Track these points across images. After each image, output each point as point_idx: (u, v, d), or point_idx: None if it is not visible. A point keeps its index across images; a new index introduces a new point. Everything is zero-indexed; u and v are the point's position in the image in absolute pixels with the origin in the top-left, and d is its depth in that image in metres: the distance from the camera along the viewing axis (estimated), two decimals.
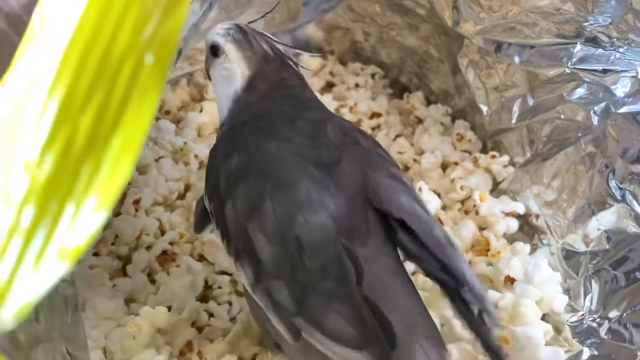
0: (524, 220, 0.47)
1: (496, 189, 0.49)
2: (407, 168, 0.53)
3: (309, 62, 0.59)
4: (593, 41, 0.41)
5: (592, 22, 0.41)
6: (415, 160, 0.53)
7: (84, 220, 0.20)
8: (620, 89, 0.40)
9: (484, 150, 0.52)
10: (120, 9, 0.22)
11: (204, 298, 0.44)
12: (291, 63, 0.41)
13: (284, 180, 0.33)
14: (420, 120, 0.56)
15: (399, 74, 0.58)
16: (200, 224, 0.39)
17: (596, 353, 0.38)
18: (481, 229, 0.47)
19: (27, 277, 0.19)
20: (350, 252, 0.31)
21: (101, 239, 0.45)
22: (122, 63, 0.22)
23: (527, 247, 0.45)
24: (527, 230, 0.47)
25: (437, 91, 0.56)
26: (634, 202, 0.39)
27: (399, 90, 0.58)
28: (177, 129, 0.54)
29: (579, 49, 0.42)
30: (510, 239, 0.47)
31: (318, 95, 0.42)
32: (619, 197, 0.39)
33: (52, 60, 0.21)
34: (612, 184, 0.40)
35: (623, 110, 0.40)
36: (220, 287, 0.44)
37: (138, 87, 0.22)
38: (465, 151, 0.53)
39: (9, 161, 0.20)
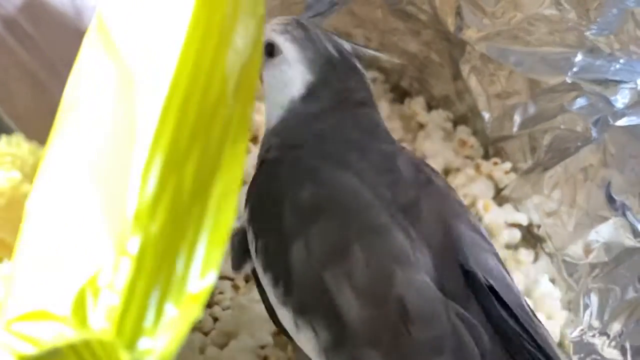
0: (526, 229, 0.47)
1: (498, 196, 0.49)
2: None
3: None
4: (594, 51, 0.41)
5: (593, 32, 0.41)
6: None
7: (197, 271, 0.20)
8: (620, 100, 0.40)
9: (486, 156, 0.52)
10: (211, 61, 0.22)
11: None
12: (359, 68, 0.36)
13: (373, 224, 0.28)
14: (421, 126, 0.56)
15: (399, 79, 0.57)
16: (239, 261, 0.33)
17: None
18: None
19: (155, 325, 0.19)
20: (468, 322, 0.26)
21: None
22: (215, 112, 0.22)
23: (531, 257, 0.45)
24: (529, 239, 0.47)
25: (438, 97, 0.55)
26: (632, 216, 0.39)
27: (399, 95, 0.58)
28: None
29: (580, 58, 0.42)
30: (513, 248, 0.47)
31: None
32: (616, 211, 0.39)
33: (151, 112, 0.21)
34: (610, 197, 0.40)
35: (622, 122, 0.40)
36: (222, 293, 0.45)
37: (230, 133, 0.23)
38: (467, 157, 0.53)
39: (121, 212, 0.20)
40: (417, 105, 0.56)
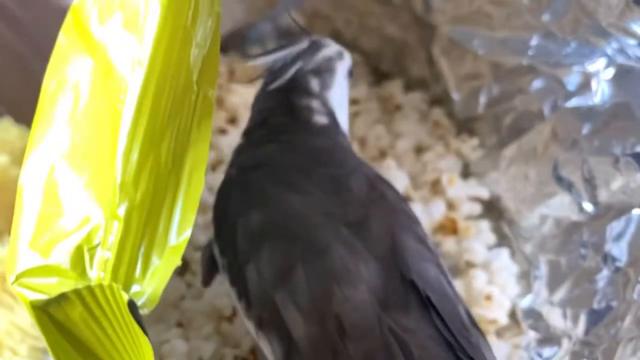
0: (488, 203, 0.49)
1: (464, 172, 0.52)
2: (383, 154, 0.55)
3: None
4: (548, 35, 0.43)
5: (546, 17, 0.43)
6: (391, 146, 0.55)
7: (175, 229, 0.25)
8: (571, 83, 0.42)
9: (457, 136, 0.54)
10: (178, 55, 0.27)
11: (180, 273, 0.47)
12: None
13: (315, 244, 0.30)
14: (398, 107, 0.58)
15: (379, 62, 0.59)
16: (208, 276, 0.36)
17: (541, 337, 0.40)
18: (449, 209, 0.50)
19: (143, 274, 0.24)
20: (398, 335, 0.27)
21: None
22: (183, 97, 0.27)
23: (491, 229, 0.48)
24: (491, 212, 0.49)
25: (415, 79, 0.57)
26: (576, 192, 0.41)
27: (378, 77, 0.60)
28: None
29: (535, 42, 0.44)
30: (475, 220, 0.49)
31: None
32: (564, 187, 0.42)
33: (130, 99, 0.25)
34: (557, 174, 0.42)
35: (571, 103, 0.42)
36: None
37: (196, 115, 0.27)
38: (440, 137, 0.55)
39: (108, 184, 0.24)
40: (394, 87, 0.58)
